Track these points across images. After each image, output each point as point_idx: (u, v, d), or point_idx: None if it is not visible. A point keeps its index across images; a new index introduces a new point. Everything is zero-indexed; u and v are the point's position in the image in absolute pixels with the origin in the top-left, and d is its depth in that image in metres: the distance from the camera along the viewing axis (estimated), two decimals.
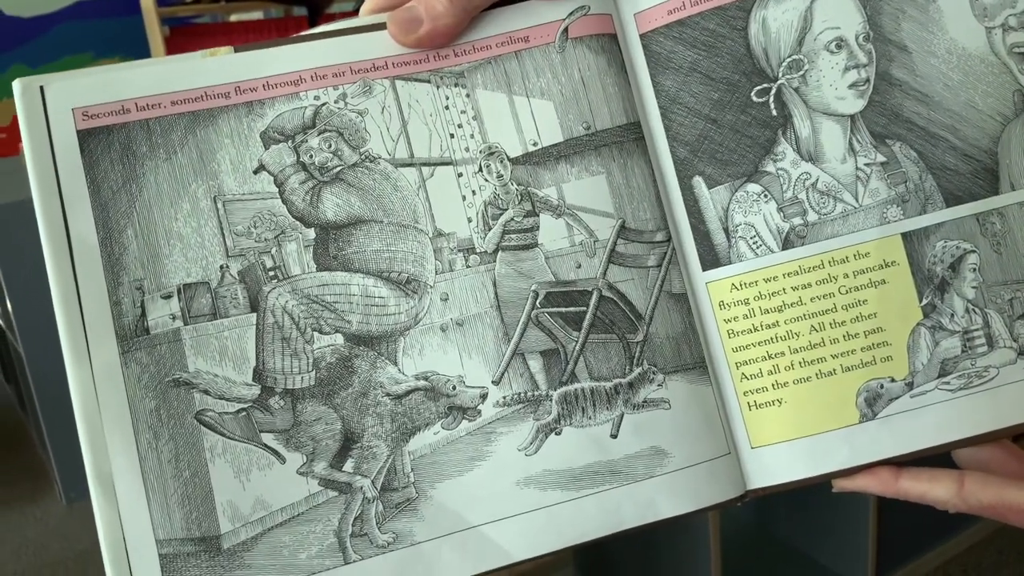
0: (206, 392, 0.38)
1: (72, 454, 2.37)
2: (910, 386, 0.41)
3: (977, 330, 0.42)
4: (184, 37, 3.08)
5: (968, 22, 0.43)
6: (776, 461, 0.42)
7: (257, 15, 3.55)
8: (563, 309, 0.42)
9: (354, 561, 0.39)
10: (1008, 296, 0.42)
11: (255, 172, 0.40)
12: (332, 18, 3.25)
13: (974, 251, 0.42)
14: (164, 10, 2.99)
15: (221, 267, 0.39)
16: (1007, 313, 0.42)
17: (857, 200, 0.42)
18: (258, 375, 0.39)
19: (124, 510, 0.38)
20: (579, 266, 0.42)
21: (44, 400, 2.32)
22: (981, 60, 0.43)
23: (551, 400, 0.41)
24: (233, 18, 3.51)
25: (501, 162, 0.42)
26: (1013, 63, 0.43)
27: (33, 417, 2.55)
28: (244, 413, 0.39)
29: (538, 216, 0.42)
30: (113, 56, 4.16)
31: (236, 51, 0.41)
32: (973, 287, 0.42)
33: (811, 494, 1.86)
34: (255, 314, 0.39)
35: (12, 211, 2.17)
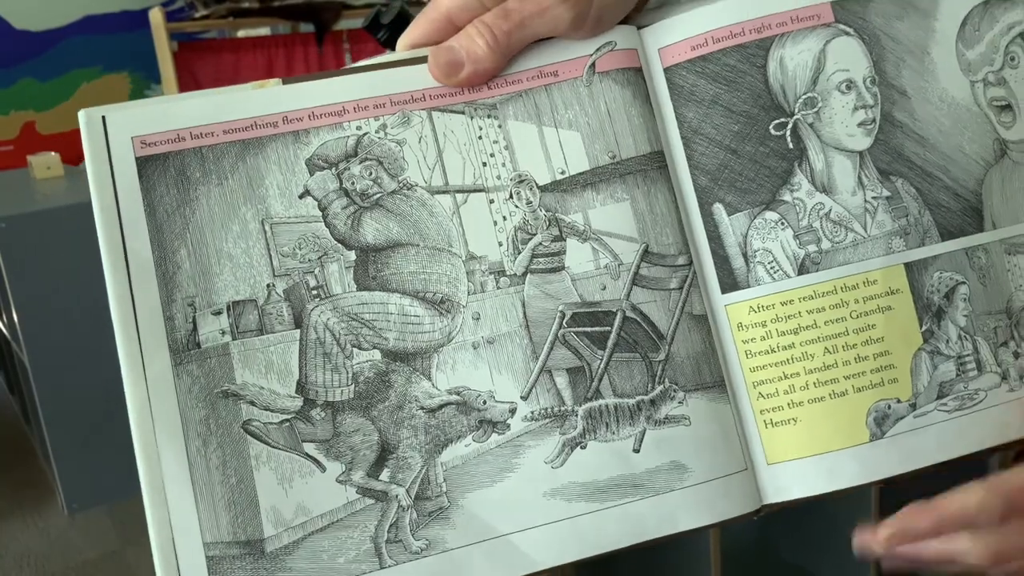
0: (252, 403, 0.41)
1: (74, 465, 2.38)
2: (913, 407, 0.44)
3: (968, 355, 0.44)
4: (192, 52, 3.11)
5: (955, 75, 0.46)
6: (791, 477, 0.44)
7: (264, 31, 3.59)
8: (588, 329, 0.44)
9: (389, 566, 0.41)
10: (992, 325, 0.45)
11: (300, 197, 0.42)
12: (339, 35, 3.29)
13: (964, 282, 0.45)
14: (172, 25, 3.02)
15: (268, 286, 0.41)
16: (992, 340, 0.45)
17: (866, 230, 0.45)
18: (301, 388, 0.41)
19: (174, 513, 0.40)
20: (604, 288, 0.44)
21: (48, 411, 2.33)
22: (967, 110, 0.46)
23: (577, 415, 0.43)
24: (240, 34, 3.54)
25: (531, 189, 0.44)
26: (992, 114, 0.47)
27: (36, 428, 2.56)
28: (287, 424, 0.41)
29: (565, 241, 0.44)
30: (122, 70, 4.20)
31: (284, 83, 0.43)
32: (964, 315, 0.45)
33: (812, 510, 1.87)
34: (299, 330, 0.41)
35: (19, 223, 2.19)
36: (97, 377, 2.30)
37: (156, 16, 2.84)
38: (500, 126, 0.45)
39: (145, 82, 4.23)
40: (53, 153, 2.83)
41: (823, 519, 1.87)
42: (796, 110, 0.45)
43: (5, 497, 2.62)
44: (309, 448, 0.41)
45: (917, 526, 0.42)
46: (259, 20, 3.38)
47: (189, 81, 3.03)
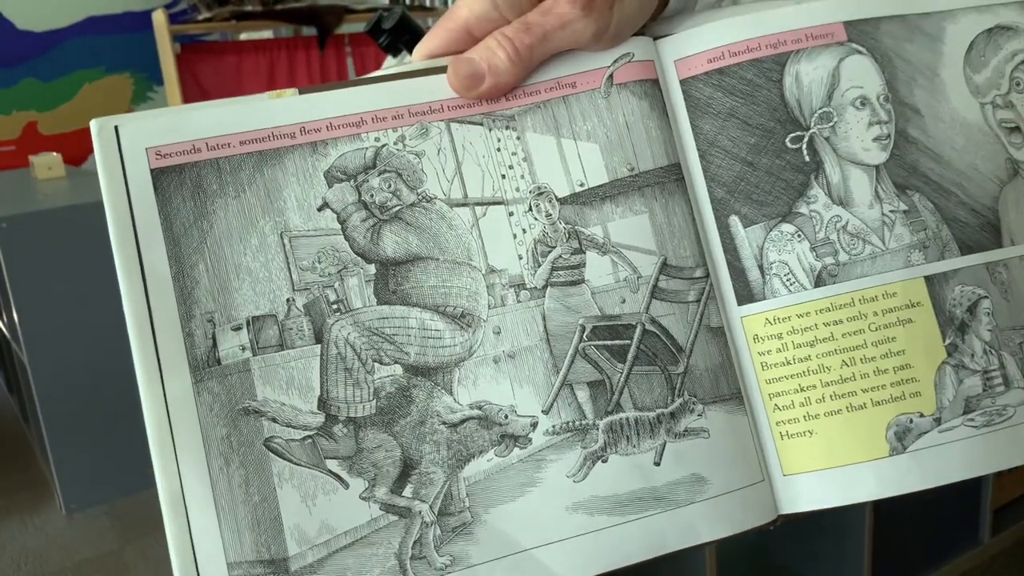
0: (274, 420, 0.39)
1: (73, 465, 2.35)
2: (938, 421, 0.42)
3: (995, 370, 0.43)
4: (194, 54, 3.08)
5: (965, 96, 0.46)
6: (806, 489, 0.43)
7: (267, 34, 3.56)
8: (609, 342, 0.43)
9: None
10: (1018, 340, 0.44)
11: (319, 209, 0.41)
12: (341, 39, 3.26)
13: (987, 297, 0.43)
14: (175, 28, 2.99)
15: (287, 300, 0.40)
16: (1018, 356, 0.44)
17: (884, 243, 0.43)
18: (322, 404, 0.40)
19: (196, 533, 0.38)
20: (623, 301, 0.43)
21: (46, 411, 2.30)
22: (978, 129, 0.46)
23: (598, 429, 0.42)
24: (243, 37, 3.51)
25: (550, 202, 0.43)
26: (1002, 135, 0.46)
27: (35, 427, 2.53)
28: (310, 440, 0.39)
29: (585, 253, 0.43)
30: (124, 71, 4.16)
31: (301, 92, 0.42)
32: (989, 330, 0.43)
33: (808, 517, 1.87)
34: (319, 345, 0.40)
35: (20, 223, 2.16)
36: (96, 378, 2.27)
37: (159, 18, 2.81)
38: (519, 138, 0.43)
39: (147, 83, 4.19)
40: (55, 153, 2.80)
41: (818, 523, 1.86)
42: (812, 124, 0.44)
43: (3, 496, 2.59)
44: (332, 465, 0.39)
45: None
46: (262, 23, 3.35)
47: (191, 83, 3.00)
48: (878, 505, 1.74)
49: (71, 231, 2.11)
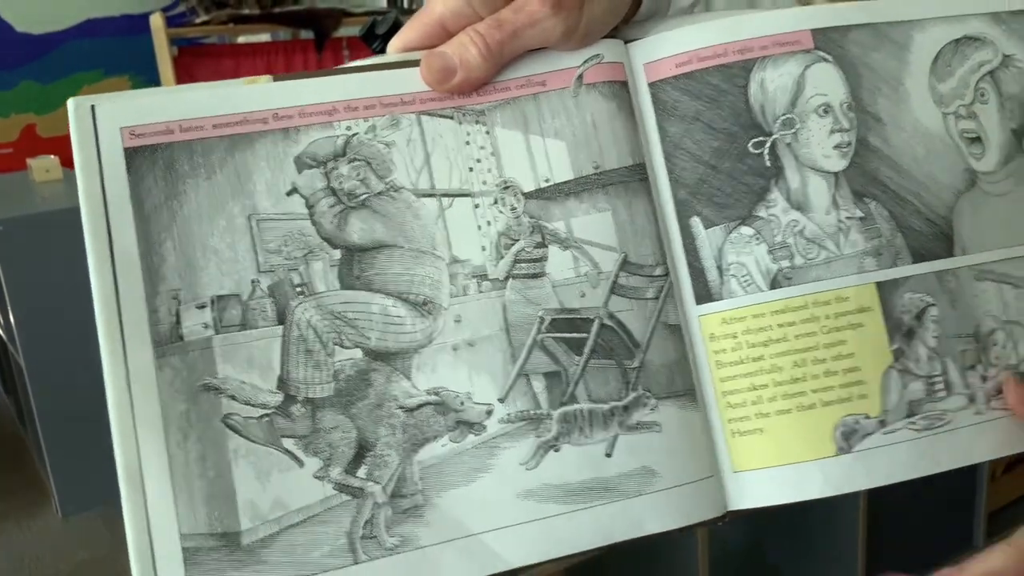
0: (233, 398, 0.39)
1: (70, 468, 2.33)
2: (883, 424, 0.43)
3: (938, 376, 0.44)
4: (192, 57, 3.08)
5: (928, 105, 0.46)
6: (755, 486, 0.43)
7: (264, 37, 3.56)
8: (566, 335, 0.43)
9: (363, 561, 0.40)
10: (961, 348, 0.45)
11: (288, 194, 0.41)
12: (338, 43, 3.27)
13: (935, 304, 0.44)
14: (173, 31, 3.00)
15: (252, 281, 0.40)
16: (960, 363, 0.45)
17: (839, 249, 0.44)
18: (282, 383, 0.40)
19: (151, 505, 0.38)
20: (583, 295, 0.44)
21: (43, 413, 2.27)
22: (939, 139, 0.46)
23: (552, 419, 0.42)
24: (241, 40, 3.52)
25: (515, 196, 0.44)
26: (963, 145, 0.47)
27: (32, 431, 2.51)
28: (267, 419, 0.40)
29: (547, 248, 0.44)
30: (123, 74, 4.16)
31: (275, 80, 0.42)
32: (934, 337, 0.44)
33: (799, 516, 1.87)
34: (282, 327, 0.40)
35: (18, 226, 2.15)
36: (93, 381, 2.25)
37: (156, 21, 2.82)
38: (488, 132, 0.44)
39: (146, 86, 4.19)
40: (52, 156, 2.79)
41: (811, 525, 1.87)
42: (775, 130, 0.45)
43: (1, 499, 2.57)
44: (288, 443, 0.40)
45: None
46: (259, 26, 3.36)
47: None
48: (872, 507, 1.75)
49: (69, 234, 2.08)
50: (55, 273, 2.17)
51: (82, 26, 4.04)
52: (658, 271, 0.44)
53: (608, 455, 0.42)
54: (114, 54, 4.10)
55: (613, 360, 0.43)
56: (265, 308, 0.40)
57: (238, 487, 0.39)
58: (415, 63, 0.43)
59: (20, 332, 2.22)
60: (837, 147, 0.45)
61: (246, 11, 3.22)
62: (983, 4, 0.48)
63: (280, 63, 3.19)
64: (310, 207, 0.41)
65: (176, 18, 3.63)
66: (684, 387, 0.44)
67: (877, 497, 1.75)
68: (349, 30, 3.23)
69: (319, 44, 3.22)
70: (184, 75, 2.99)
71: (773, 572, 1.98)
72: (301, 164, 0.41)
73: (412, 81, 0.43)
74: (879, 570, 1.82)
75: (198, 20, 3.19)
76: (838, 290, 0.44)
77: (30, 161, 2.78)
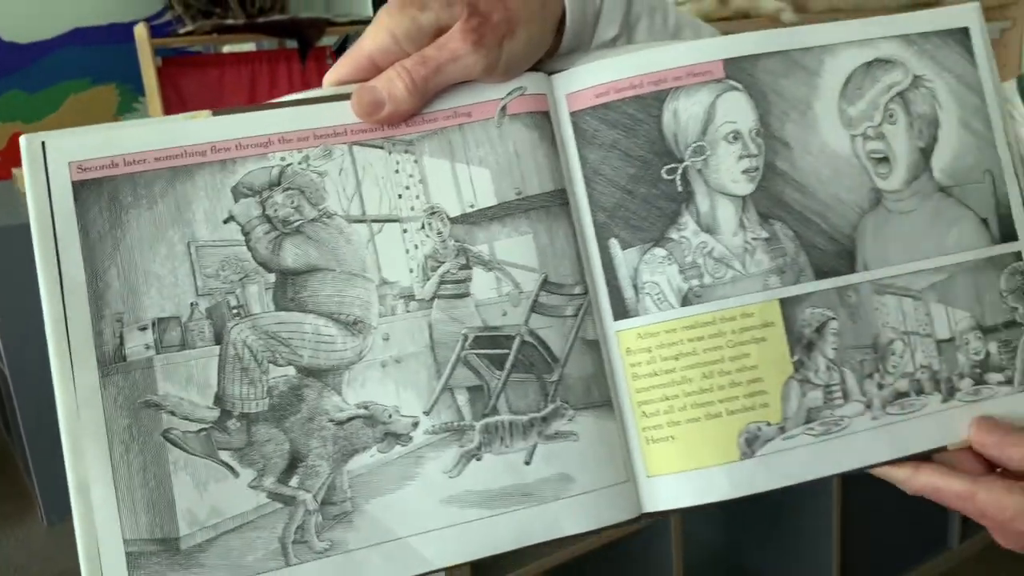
0: (172, 413, 0.42)
1: (55, 477, 2.33)
2: (782, 430, 0.46)
3: (835, 385, 0.47)
4: (177, 67, 3.09)
5: (837, 128, 0.49)
6: (667, 489, 0.46)
7: (250, 47, 3.58)
8: (489, 351, 0.46)
9: (294, 564, 0.42)
10: (859, 358, 0.47)
11: (225, 222, 0.44)
12: (322, 52, 3.29)
13: (835, 318, 0.47)
14: (157, 41, 3.01)
15: (191, 304, 0.43)
16: (858, 372, 0.47)
17: (745, 268, 0.47)
18: (218, 400, 0.43)
19: (97, 513, 0.41)
20: (505, 314, 0.46)
21: (29, 423, 2.28)
22: (846, 161, 0.49)
23: (475, 430, 0.45)
24: (226, 49, 3.53)
25: (442, 221, 0.46)
26: (870, 166, 0.49)
27: (17, 439, 2.51)
28: (205, 432, 0.42)
29: (471, 269, 0.46)
30: (110, 83, 4.17)
31: (214, 114, 0.45)
32: (833, 348, 0.47)
33: (775, 520, 1.90)
34: (219, 346, 0.43)
35: (1, 234, 2.15)
36: None
37: (140, 31, 2.83)
38: (416, 161, 0.47)
39: (133, 95, 4.21)
40: None
41: (785, 526, 1.89)
42: (686, 157, 0.48)
43: None
44: (224, 455, 0.42)
45: None
46: (243, 36, 3.37)
47: (173, 96, 3.01)
48: (846, 507, 1.78)
49: None
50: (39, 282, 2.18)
51: (69, 35, 4.05)
52: (577, 290, 0.47)
53: (527, 463, 0.45)
54: (101, 63, 4.12)
55: (533, 374, 0.46)
56: (203, 329, 0.43)
57: (177, 496, 0.42)
58: (347, 97, 0.46)
59: (5, 341, 2.23)
60: (745, 172, 0.48)
61: (230, 21, 3.23)
62: (894, 27, 0.50)
63: (264, 73, 3.21)
64: (246, 234, 0.44)
65: (164, 27, 3.64)
66: (601, 398, 0.46)
67: (851, 497, 1.78)
68: (333, 39, 3.25)
69: (303, 53, 3.24)
70: (169, 85, 3.00)
71: (748, 572, 2.01)
72: (237, 193, 0.44)
73: (344, 113, 0.46)
74: (853, 569, 1.84)
75: (183, 30, 3.20)
76: (743, 307, 0.46)
77: (15, 171, 2.79)
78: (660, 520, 1.53)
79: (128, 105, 4.22)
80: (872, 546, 1.96)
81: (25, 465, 2.49)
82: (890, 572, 1.97)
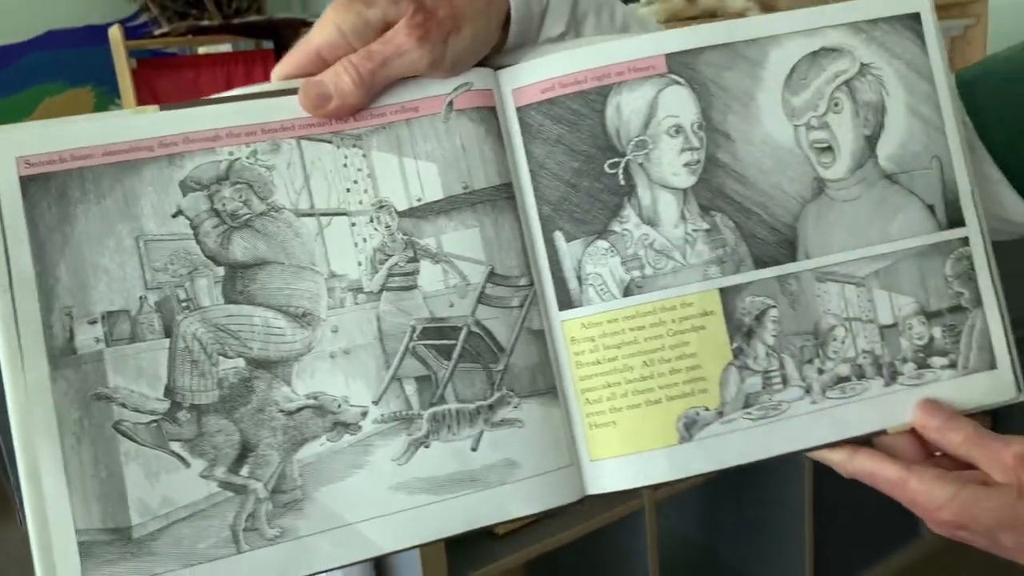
0: (123, 405, 0.43)
1: None
2: (721, 415, 0.47)
3: (775, 371, 0.48)
4: (152, 69, 3.07)
5: (780, 119, 0.49)
6: (610, 472, 0.47)
7: (226, 48, 3.56)
8: (436, 342, 0.47)
9: (245, 551, 0.43)
10: (799, 344, 0.48)
11: (173, 216, 0.44)
12: None
13: (775, 306, 0.48)
14: (132, 43, 2.99)
15: (140, 298, 0.43)
16: (798, 358, 0.48)
17: (685, 259, 0.48)
18: (169, 392, 0.43)
19: (49, 504, 0.41)
20: (452, 305, 0.47)
21: (5, 425, 2.27)
22: (788, 151, 0.49)
23: (422, 418, 0.46)
24: (202, 50, 3.51)
25: (389, 214, 0.47)
26: (813, 155, 0.49)
27: None
28: (155, 424, 0.43)
29: (419, 262, 0.47)
30: (85, 85, 4.14)
31: (162, 109, 0.45)
32: (773, 335, 0.48)
33: (751, 517, 1.91)
34: (168, 339, 0.43)
35: None
36: None
37: (115, 33, 2.81)
38: (364, 155, 0.47)
39: (109, 97, 4.17)
40: None
41: (759, 520, 1.91)
42: (629, 151, 0.49)
43: None
44: (175, 446, 0.43)
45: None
46: (219, 37, 3.36)
47: (149, 98, 2.99)
48: (818, 500, 1.80)
49: None
50: None
51: (44, 37, 4.02)
52: (522, 282, 0.48)
53: (474, 449, 0.46)
54: (76, 65, 4.08)
55: (480, 364, 0.47)
56: (152, 322, 0.43)
57: (129, 486, 0.42)
58: (294, 91, 0.46)
59: None
60: (686, 165, 0.49)
61: (206, 22, 3.21)
62: (843, 15, 0.50)
63: (239, 74, 3.20)
64: (194, 228, 0.44)
65: (139, 28, 3.62)
66: (546, 386, 0.47)
67: (823, 488, 1.80)
68: None
69: (279, 54, 3.22)
70: (144, 87, 2.98)
71: (722, 564, 2.03)
72: (186, 188, 0.44)
73: (291, 108, 0.46)
74: (825, 559, 1.86)
75: (158, 31, 3.18)
76: (683, 297, 0.47)
77: None
78: (636, 512, 1.55)
79: (104, 107, 4.18)
80: (844, 536, 1.98)
81: (2, 468, 2.46)
82: (862, 561, 2.00)
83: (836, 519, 1.94)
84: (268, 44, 3.34)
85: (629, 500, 1.55)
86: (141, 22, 3.73)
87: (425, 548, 1.23)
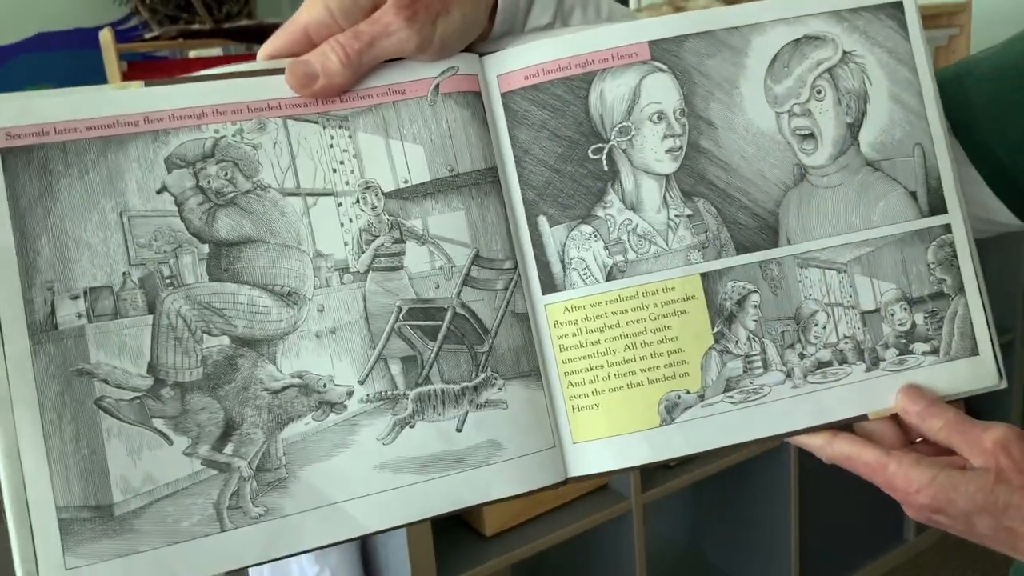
0: (105, 381, 0.42)
1: None
2: (702, 398, 0.47)
3: (756, 355, 0.48)
4: (142, 73, 3.06)
5: (762, 107, 0.49)
6: (592, 454, 0.47)
7: (216, 52, 3.55)
8: (422, 323, 0.47)
9: (229, 529, 0.43)
10: (780, 329, 0.48)
11: (158, 192, 0.44)
12: None
13: (756, 291, 0.48)
14: (122, 46, 2.97)
15: (124, 274, 0.43)
16: (779, 343, 0.48)
17: (667, 244, 0.48)
18: (152, 368, 0.43)
19: (28, 481, 0.41)
20: (438, 287, 0.47)
21: None
22: (771, 138, 0.49)
23: (408, 399, 0.45)
24: (192, 54, 3.50)
25: (376, 195, 0.47)
26: (795, 142, 0.49)
27: None
28: (138, 401, 0.42)
29: (405, 243, 0.47)
30: (74, 87, 4.12)
31: (147, 85, 0.45)
32: (754, 320, 0.48)
33: (738, 518, 1.92)
34: (152, 316, 0.43)
35: None
36: None
37: (106, 36, 2.79)
38: (350, 136, 0.47)
39: None
40: None
41: (745, 523, 1.91)
42: (612, 137, 0.49)
43: None
44: (158, 423, 0.43)
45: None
46: (210, 41, 3.35)
47: None
48: (804, 503, 1.80)
49: None
50: None
51: (33, 40, 4.00)
52: (507, 265, 0.48)
53: (459, 430, 0.46)
54: (66, 68, 4.06)
55: (464, 345, 0.47)
56: (136, 299, 0.43)
57: (111, 463, 0.42)
58: (281, 71, 0.46)
59: None
60: (669, 151, 0.49)
61: (197, 26, 3.21)
62: (825, 3, 0.50)
63: None
64: (179, 204, 0.44)
65: (130, 31, 3.61)
66: (530, 368, 0.47)
67: (809, 491, 1.80)
68: None
69: None
70: None
71: (708, 567, 2.03)
72: (171, 164, 0.44)
73: (278, 87, 0.46)
74: (811, 561, 1.87)
75: (149, 35, 3.17)
76: (665, 281, 0.48)
77: None
78: (624, 514, 1.55)
79: None
80: (829, 540, 1.98)
81: None
82: (847, 564, 2.00)
83: (821, 523, 1.94)
84: (258, 48, 3.33)
85: (617, 502, 1.55)
86: (131, 25, 3.71)
87: (414, 549, 1.23)
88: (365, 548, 1.35)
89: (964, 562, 2.03)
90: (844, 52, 0.50)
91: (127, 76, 2.94)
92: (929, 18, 1.89)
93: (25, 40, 3.96)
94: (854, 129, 0.50)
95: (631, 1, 2.58)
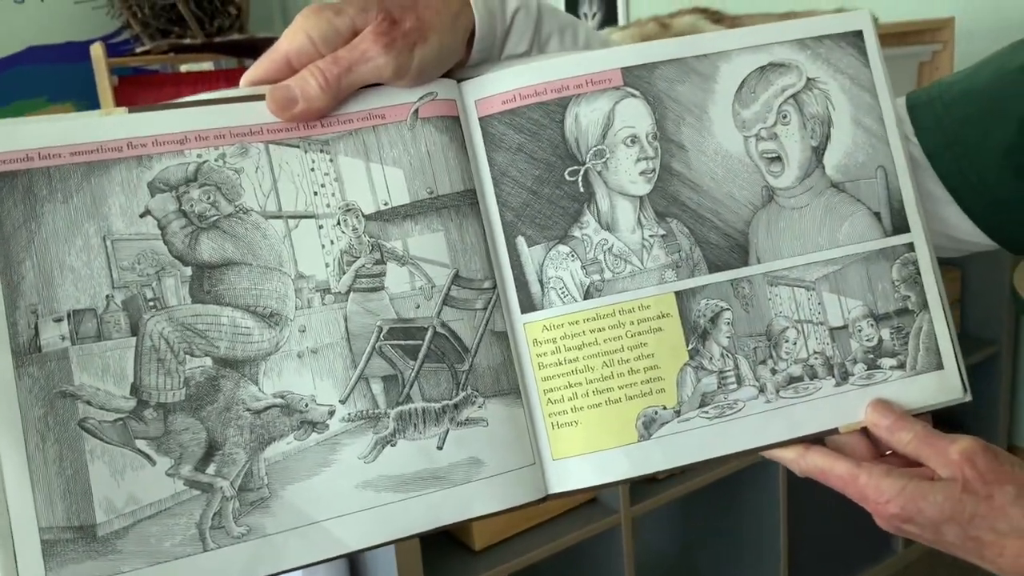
0: (88, 403, 0.42)
1: None
2: (678, 413, 0.48)
3: (729, 371, 0.49)
4: (133, 87, 3.06)
5: (731, 131, 0.50)
6: (572, 470, 0.47)
7: (207, 66, 3.56)
8: (402, 342, 0.47)
9: (212, 549, 0.43)
10: (753, 345, 0.49)
11: (141, 216, 0.44)
12: None
13: (728, 309, 0.49)
14: (114, 60, 2.98)
15: (107, 296, 0.43)
16: (752, 359, 0.49)
17: (642, 263, 0.49)
18: (135, 390, 0.43)
19: (11, 501, 0.41)
20: (418, 307, 0.48)
21: None
22: (739, 161, 0.50)
23: (389, 417, 0.46)
24: (184, 68, 3.51)
25: (356, 218, 0.48)
26: (762, 165, 0.51)
27: None
28: (121, 422, 0.43)
29: (385, 264, 0.48)
30: (66, 101, 4.12)
31: (130, 111, 0.46)
32: (727, 337, 0.49)
33: (728, 526, 1.92)
34: (135, 338, 0.43)
35: None
36: None
37: (97, 50, 2.80)
38: (331, 160, 0.48)
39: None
40: None
41: (737, 543, 1.91)
42: (587, 160, 0.50)
43: None
44: (141, 444, 0.43)
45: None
46: (200, 56, 3.36)
47: None
48: (792, 515, 1.80)
49: None
50: None
51: (25, 53, 4.00)
52: (486, 285, 0.49)
53: (439, 448, 0.46)
54: (58, 81, 4.06)
55: (445, 364, 0.47)
56: (119, 321, 0.43)
57: (94, 484, 0.42)
58: (262, 97, 0.47)
59: None
60: (643, 173, 0.50)
61: (188, 40, 3.22)
62: (789, 32, 0.52)
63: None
64: (162, 228, 0.45)
65: (121, 45, 3.62)
66: (509, 386, 0.48)
67: (797, 503, 1.81)
68: None
69: None
70: (125, 104, 2.97)
71: (698, 573, 2.03)
72: (154, 189, 0.45)
73: (260, 113, 0.46)
74: (799, 574, 1.87)
75: (140, 49, 3.18)
76: (641, 299, 0.48)
77: None
78: (613, 527, 1.55)
79: None
80: (818, 552, 1.99)
81: None
82: (835, 573, 2.00)
83: (810, 535, 1.95)
84: (250, 62, 3.33)
85: (607, 516, 1.55)
86: (123, 39, 3.73)
87: (403, 564, 1.23)
88: (353, 564, 1.35)
89: (950, 572, 2.03)
90: (808, 79, 0.52)
91: (118, 89, 2.95)
92: (912, 34, 1.90)
93: (17, 54, 3.96)
94: (819, 152, 0.52)
95: (619, 17, 2.60)
